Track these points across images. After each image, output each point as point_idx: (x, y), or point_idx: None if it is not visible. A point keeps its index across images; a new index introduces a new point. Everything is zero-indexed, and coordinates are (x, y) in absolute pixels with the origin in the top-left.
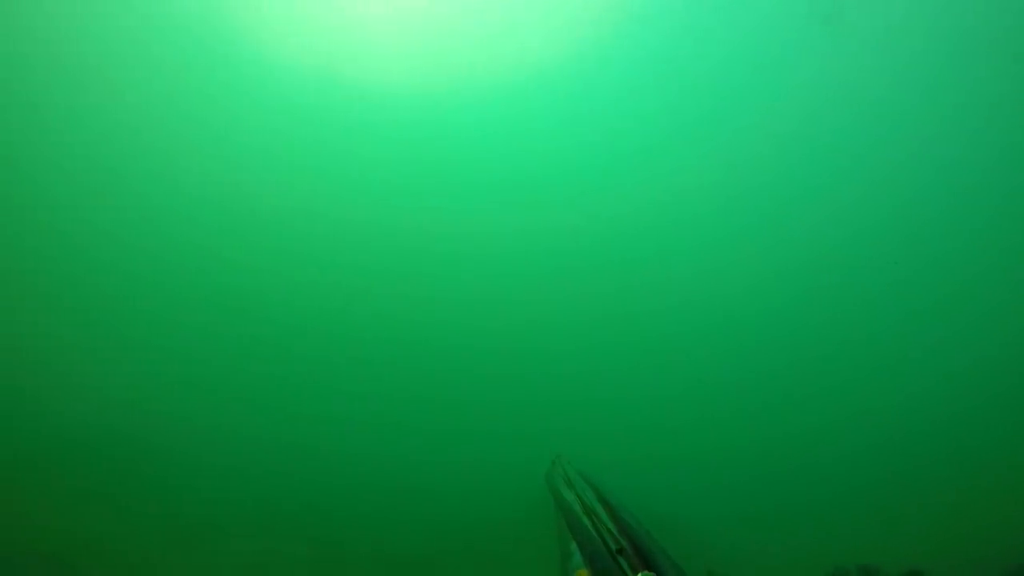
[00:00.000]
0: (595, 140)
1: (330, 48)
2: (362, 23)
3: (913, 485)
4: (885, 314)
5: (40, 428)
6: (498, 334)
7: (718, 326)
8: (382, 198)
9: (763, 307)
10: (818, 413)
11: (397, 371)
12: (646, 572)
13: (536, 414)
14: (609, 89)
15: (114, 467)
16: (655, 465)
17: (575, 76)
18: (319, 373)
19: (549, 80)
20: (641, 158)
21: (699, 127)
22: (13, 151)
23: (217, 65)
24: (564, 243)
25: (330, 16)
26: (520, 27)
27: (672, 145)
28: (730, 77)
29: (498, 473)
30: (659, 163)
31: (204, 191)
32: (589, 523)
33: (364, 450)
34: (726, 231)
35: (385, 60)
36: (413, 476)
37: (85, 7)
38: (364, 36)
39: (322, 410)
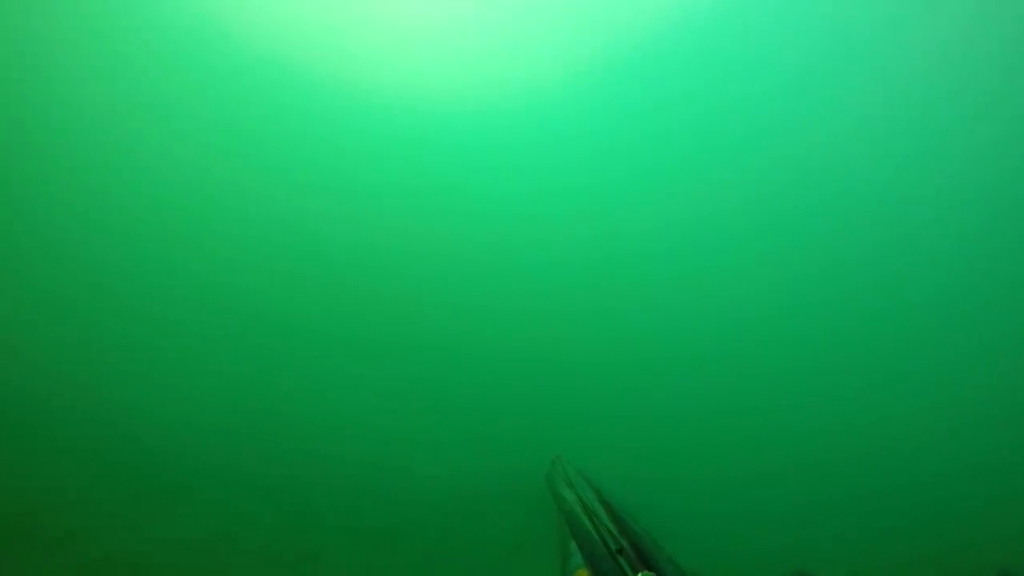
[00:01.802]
0: (614, 156)
1: (357, 60)
2: (389, 34)
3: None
4: (875, 343)
5: (13, 389)
6: (504, 338)
7: (721, 341)
8: (392, 204)
9: (765, 324)
10: (807, 427)
11: (400, 373)
12: (646, 572)
13: (538, 416)
14: (635, 104)
15: (88, 428)
16: (654, 471)
17: (605, 88)
18: (324, 375)
19: (576, 93)
20: (659, 176)
21: (727, 148)
22: (12, 150)
23: (220, 65)
24: (575, 254)
25: (357, 25)
26: (549, 41)
27: (694, 166)
28: (761, 99)
29: (498, 474)
30: (678, 182)
31: (216, 192)
32: (589, 523)
33: (365, 451)
34: (736, 249)
35: (409, 71)
36: (413, 476)
37: (87, 7)
38: (391, 48)
39: (326, 413)
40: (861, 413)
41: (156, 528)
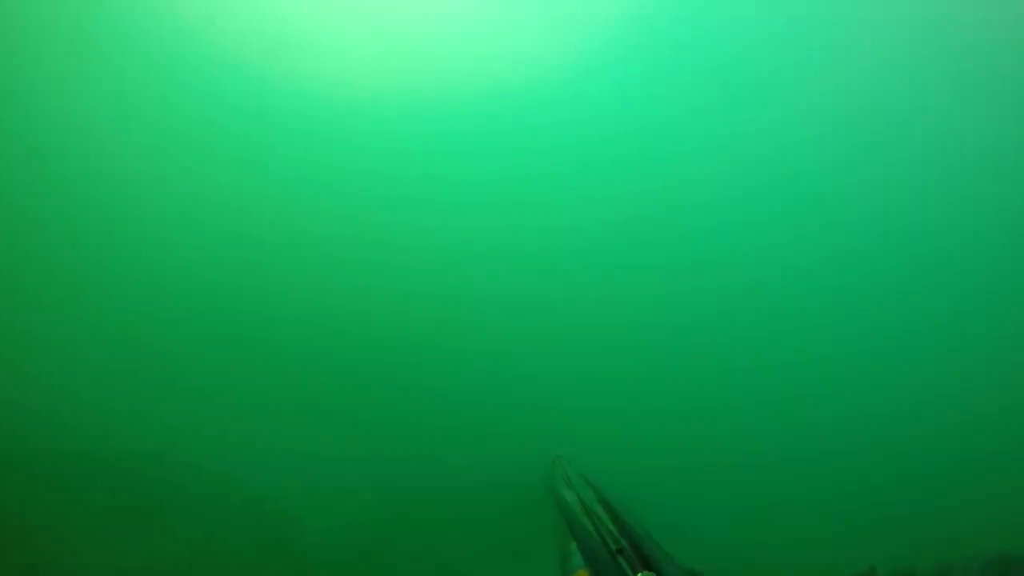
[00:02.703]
0: (607, 143)
1: (330, 60)
2: (366, 33)
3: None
4: (872, 338)
5: None
6: (502, 335)
7: (720, 333)
8: (391, 202)
9: (765, 316)
10: (812, 423)
11: (398, 371)
12: (646, 572)
13: (538, 415)
14: (614, 93)
15: (59, 442)
16: (654, 468)
17: (580, 79)
18: (320, 372)
19: (554, 83)
20: (653, 161)
21: (708, 131)
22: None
23: (207, 70)
24: (572, 246)
25: (330, 30)
26: (523, 31)
27: (685, 148)
28: (734, 83)
29: (498, 473)
30: (672, 168)
31: (204, 193)
32: (589, 523)
33: (362, 450)
34: (735, 237)
35: (384, 69)
36: (411, 475)
37: (80, 14)
38: (368, 47)
39: (321, 409)
40: (863, 408)
41: (135, 548)
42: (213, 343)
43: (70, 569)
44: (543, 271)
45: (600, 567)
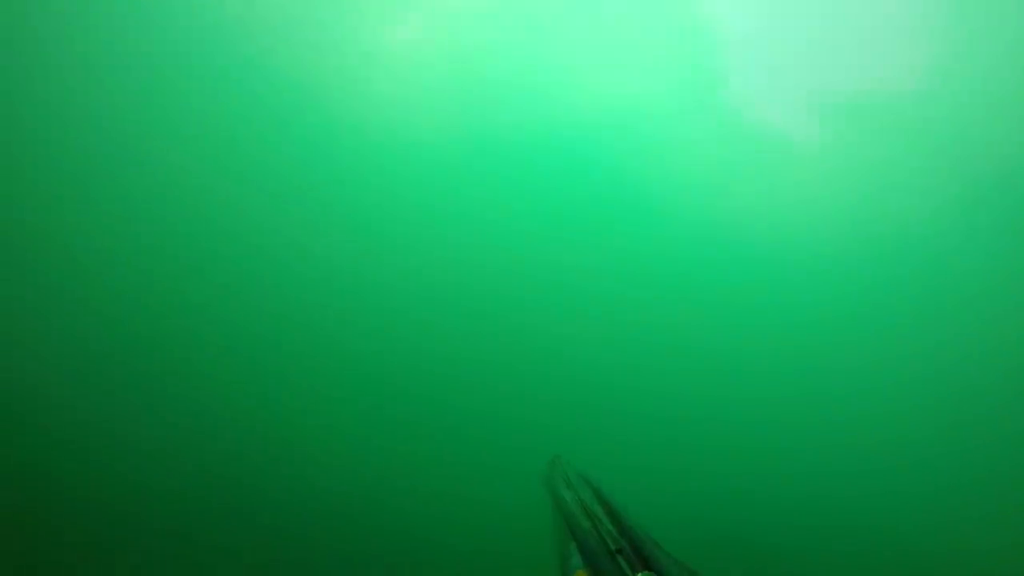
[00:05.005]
0: (625, 181)
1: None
2: (401, 72)
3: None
4: (870, 350)
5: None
6: (500, 335)
7: (721, 333)
8: (392, 218)
9: (768, 316)
10: (820, 422)
11: (395, 371)
12: (645, 572)
13: (536, 416)
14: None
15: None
16: (655, 469)
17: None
18: (316, 372)
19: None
20: (659, 199)
21: (730, 163)
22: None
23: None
24: (568, 254)
25: (372, 60)
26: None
27: (693, 193)
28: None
29: (496, 474)
30: (675, 205)
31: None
32: (588, 524)
33: (360, 451)
34: (740, 262)
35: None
36: (410, 476)
37: (83, 10)
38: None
39: (316, 409)
40: (864, 417)
41: None
42: (217, 361)
43: None
44: (557, 280)
45: (599, 567)
